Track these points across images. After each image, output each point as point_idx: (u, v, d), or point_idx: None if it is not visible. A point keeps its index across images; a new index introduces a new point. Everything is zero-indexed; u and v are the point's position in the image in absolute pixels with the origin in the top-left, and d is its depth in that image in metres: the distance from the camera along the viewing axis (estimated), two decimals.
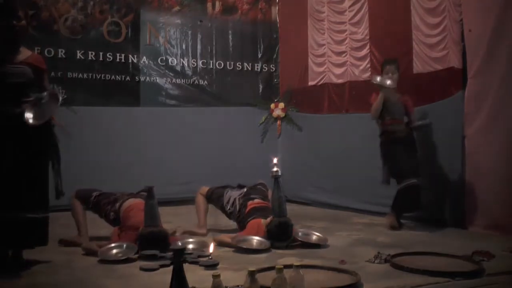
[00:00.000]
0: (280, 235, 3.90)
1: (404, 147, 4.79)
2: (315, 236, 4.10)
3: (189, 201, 4.82)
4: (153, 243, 3.63)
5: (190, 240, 3.94)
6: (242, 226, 4.31)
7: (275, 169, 4.04)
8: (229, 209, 4.50)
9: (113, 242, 3.73)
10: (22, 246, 3.35)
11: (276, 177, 4.03)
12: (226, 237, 4.07)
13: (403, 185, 4.66)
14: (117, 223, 4.05)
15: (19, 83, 3.27)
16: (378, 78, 4.85)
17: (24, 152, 3.26)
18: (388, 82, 4.78)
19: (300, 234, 4.09)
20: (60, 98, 3.39)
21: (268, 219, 3.99)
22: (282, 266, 2.33)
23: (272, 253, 3.77)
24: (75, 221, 4.12)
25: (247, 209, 4.33)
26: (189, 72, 7.17)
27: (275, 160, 4.07)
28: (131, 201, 4.12)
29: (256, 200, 4.42)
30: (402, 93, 4.94)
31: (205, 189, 4.69)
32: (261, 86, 7.55)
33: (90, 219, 4.23)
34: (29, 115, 3.22)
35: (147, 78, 6.87)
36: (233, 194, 4.55)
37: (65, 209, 4.22)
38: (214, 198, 4.64)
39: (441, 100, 4.97)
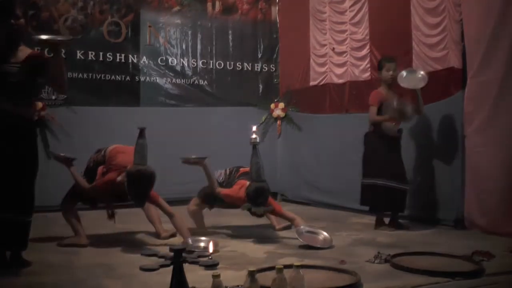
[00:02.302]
0: (257, 199, 4.03)
1: (389, 144, 4.73)
2: (322, 235, 4.14)
3: (188, 201, 4.82)
4: (140, 181, 3.73)
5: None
6: (230, 186, 4.46)
7: (253, 136, 4.19)
8: (222, 179, 4.60)
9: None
10: (2, 247, 3.30)
11: (254, 144, 4.18)
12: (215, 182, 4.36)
13: (368, 182, 4.71)
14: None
15: (19, 82, 3.26)
16: (406, 76, 4.73)
17: (20, 153, 3.25)
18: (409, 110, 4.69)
19: (304, 232, 4.12)
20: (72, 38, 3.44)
21: (247, 183, 4.13)
22: (282, 266, 2.33)
23: (272, 253, 3.78)
24: (70, 225, 4.13)
25: (239, 173, 4.54)
26: (189, 72, 7.17)
27: (254, 128, 4.24)
28: (115, 145, 4.29)
29: (247, 168, 4.52)
30: (401, 94, 4.90)
31: (194, 200, 4.73)
32: (261, 86, 7.55)
33: (89, 219, 4.23)
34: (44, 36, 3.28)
35: (147, 78, 6.87)
36: (222, 170, 4.72)
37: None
38: (208, 194, 4.65)
39: (441, 100, 4.97)
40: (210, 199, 4.67)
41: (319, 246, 3.95)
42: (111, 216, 4.21)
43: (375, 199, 4.74)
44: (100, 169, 4.08)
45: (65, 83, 3.50)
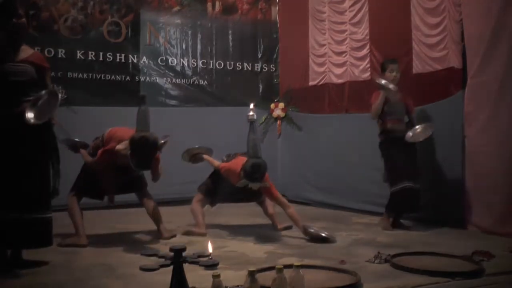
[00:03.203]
0: (253, 174, 4.08)
1: (403, 148, 4.77)
2: (323, 234, 4.19)
3: (189, 201, 4.83)
4: (144, 147, 3.74)
5: None
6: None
7: (250, 113, 4.32)
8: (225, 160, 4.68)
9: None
10: (26, 247, 3.35)
11: (251, 121, 4.31)
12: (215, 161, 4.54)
13: (397, 188, 4.67)
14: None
15: (21, 82, 3.27)
16: (383, 81, 4.78)
17: (25, 152, 3.25)
18: (391, 86, 4.75)
19: (312, 230, 4.22)
20: (60, 96, 3.40)
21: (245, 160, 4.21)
22: (282, 266, 2.33)
23: (272, 253, 3.78)
24: (73, 222, 4.11)
25: (236, 155, 4.64)
26: (189, 72, 7.17)
27: (251, 106, 4.40)
28: (110, 128, 4.27)
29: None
30: (403, 93, 4.93)
31: (196, 197, 4.73)
32: (261, 86, 7.55)
33: (89, 219, 4.22)
34: (30, 115, 3.22)
35: (147, 78, 6.87)
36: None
37: (65, 209, 4.22)
38: (209, 187, 4.70)
39: (441, 100, 4.97)
40: (211, 191, 4.68)
41: (326, 235, 4.07)
42: (111, 199, 4.17)
43: (405, 202, 4.71)
44: (100, 151, 4.06)
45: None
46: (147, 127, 3.81)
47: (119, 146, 3.82)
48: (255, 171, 4.08)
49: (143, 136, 3.75)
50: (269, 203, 4.75)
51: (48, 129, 3.45)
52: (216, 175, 4.67)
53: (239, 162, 4.31)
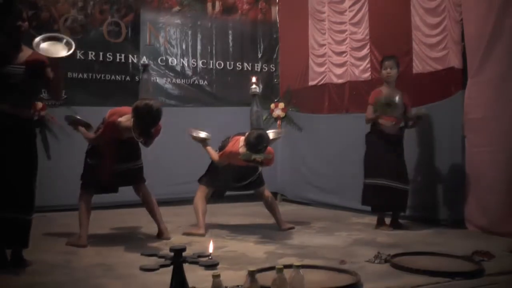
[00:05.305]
0: (258, 145, 4.09)
1: (390, 146, 4.73)
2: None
3: (189, 201, 4.83)
4: (148, 114, 3.74)
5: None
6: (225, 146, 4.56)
7: (253, 86, 4.36)
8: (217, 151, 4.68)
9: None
10: (4, 245, 3.31)
11: (254, 94, 4.34)
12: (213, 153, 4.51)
13: (369, 182, 4.71)
14: None
15: (20, 84, 3.27)
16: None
17: (17, 153, 3.25)
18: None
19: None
20: (73, 47, 3.41)
21: (241, 138, 4.24)
22: (282, 266, 2.33)
23: (272, 253, 3.78)
24: (79, 221, 4.08)
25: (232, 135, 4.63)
26: (189, 72, 7.16)
27: (254, 79, 4.43)
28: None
29: (237, 136, 4.59)
30: (402, 92, 4.90)
31: (199, 189, 4.71)
32: (261, 86, 7.53)
33: (90, 218, 4.22)
34: (39, 40, 3.28)
35: None
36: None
37: (64, 209, 4.22)
38: (209, 176, 4.70)
39: (441, 100, 4.97)
40: (212, 180, 4.68)
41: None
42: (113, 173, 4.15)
43: (377, 199, 4.74)
44: (102, 126, 4.07)
45: (60, 91, 3.47)
46: (150, 95, 3.84)
47: (121, 119, 3.87)
48: (259, 142, 4.10)
49: (147, 103, 3.75)
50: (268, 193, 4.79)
51: (33, 134, 3.45)
52: (215, 164, 4.67)
53: (235, 142, 4.35)
